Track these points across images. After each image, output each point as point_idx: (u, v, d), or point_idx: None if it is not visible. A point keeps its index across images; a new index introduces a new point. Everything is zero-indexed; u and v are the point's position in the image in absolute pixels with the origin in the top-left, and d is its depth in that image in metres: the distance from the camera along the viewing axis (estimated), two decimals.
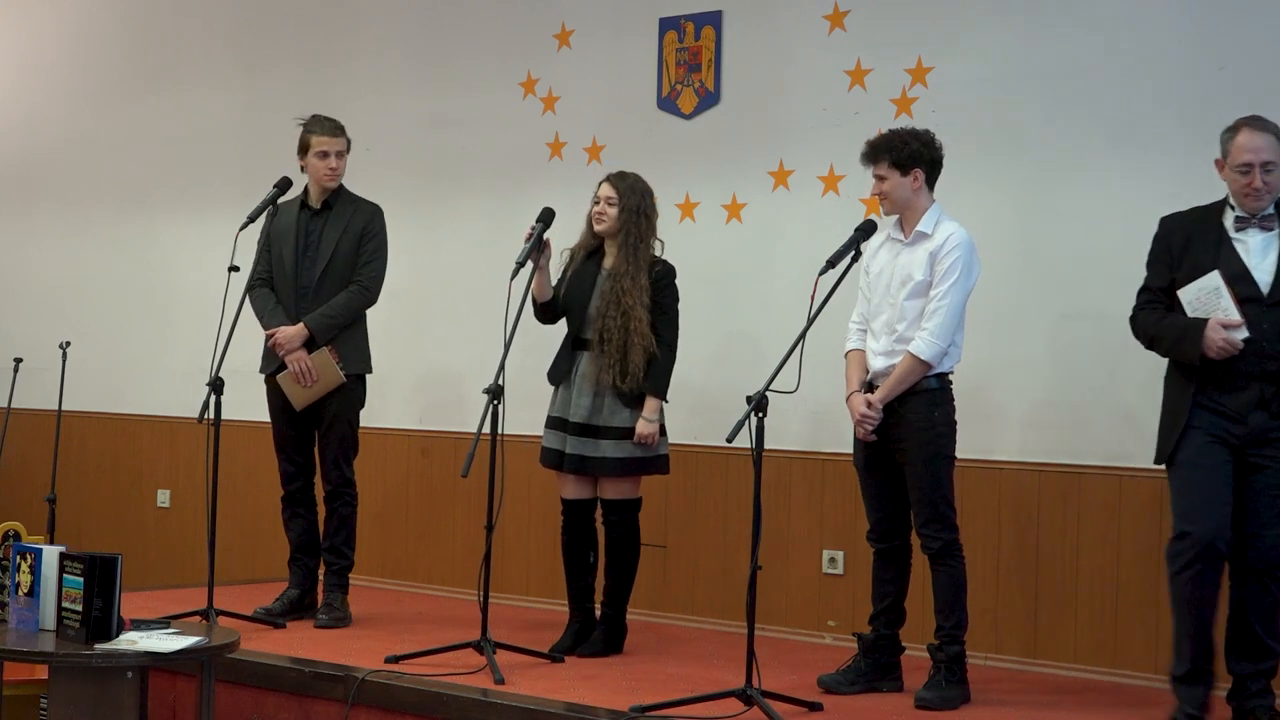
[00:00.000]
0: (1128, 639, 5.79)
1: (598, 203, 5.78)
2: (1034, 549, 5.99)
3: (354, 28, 7.96)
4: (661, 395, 5.73)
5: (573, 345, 5.83)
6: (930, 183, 5.29)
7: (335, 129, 6.27)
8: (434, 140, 7.64)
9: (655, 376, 5.70)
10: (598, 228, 5.78)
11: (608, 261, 5.79)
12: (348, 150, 6.32)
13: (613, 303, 5.67)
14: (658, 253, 5.82)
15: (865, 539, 5.47)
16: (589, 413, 5.72)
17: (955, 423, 5.29)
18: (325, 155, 6.23)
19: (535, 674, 5.40)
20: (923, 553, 5.28)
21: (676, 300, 5.81)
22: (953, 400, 5.29)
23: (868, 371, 5.32)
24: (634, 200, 5.74)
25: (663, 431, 5.80)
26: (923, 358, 5.16)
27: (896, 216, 5.33)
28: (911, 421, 5.19)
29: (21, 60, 9.39)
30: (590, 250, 5.86)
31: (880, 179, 5.27)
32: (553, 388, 5.88)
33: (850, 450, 5.53)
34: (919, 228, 5.25)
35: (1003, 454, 6.02)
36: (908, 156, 5.22)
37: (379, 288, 6.31)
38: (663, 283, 5.75)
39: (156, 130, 8.67)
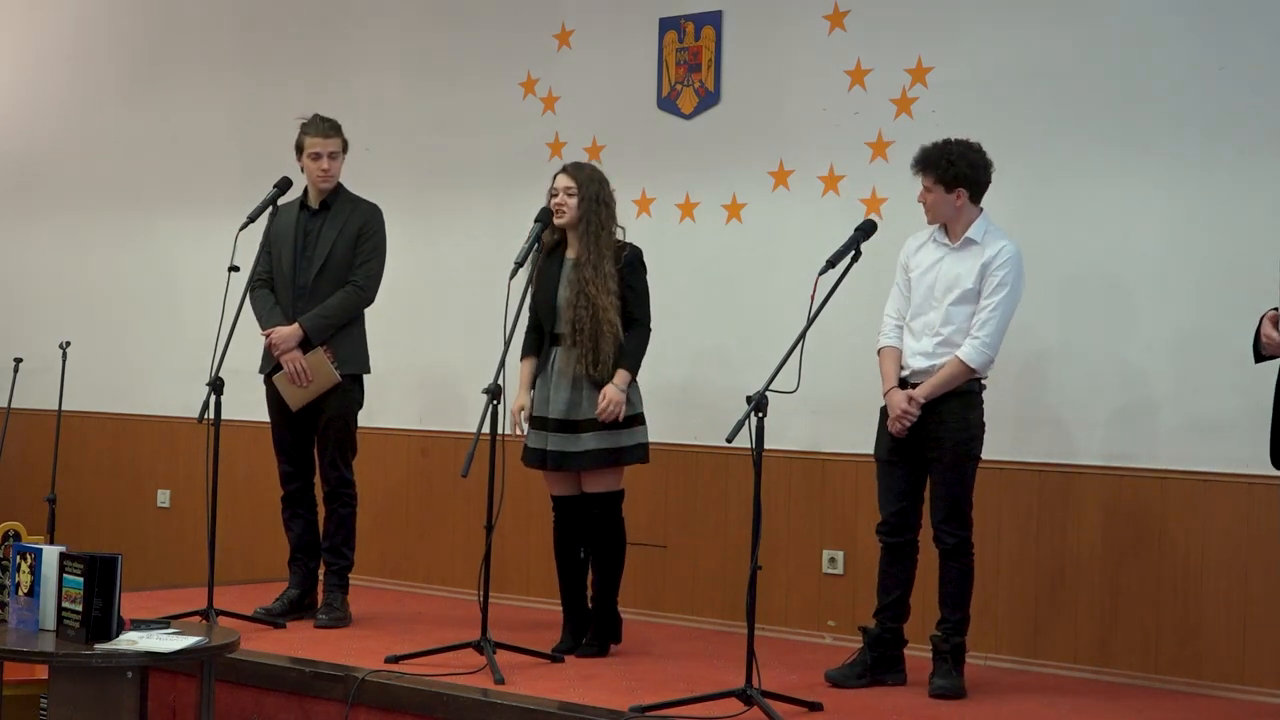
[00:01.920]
0: (1127, 639, 5.79)
1: (556, 194, 5.76)
2: (1034, 549, 5.99)
3: (354, 28, 7.96)
4: (632, 369, 5.70)
5: (549, 342, 5.82)
6: (975, 199, 5.37)
7: (328, 130, 6.25)
8: (434, 140, 7.64)
9: (629, 352, 5.69)
10: (559, 220, 5.75)
11: (570, 252, 5.78)
12: (343, 151, 6.30)
13: (580, 293, 5.66)
14: (620, 238, 5.81)
15: (875, 531, 5.48)
16: (567, 407, 5.71)
17: (984, 425, 5.37)
18: (318, 157, 6.22)
19: (535, 674, 5.40)
20: (935, 546, 5.34)
21: (646, 279, 5.80)
22: (983, 404, 5.37)
23: (902, 368, 5.39)
24: (593, 189, 5.73)
25: (641, 421, 5.78)
26: (972, 365, 5.27)
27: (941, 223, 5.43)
28: (949, 422, 5.28)
29: (22, 60, 9.39)
30: (551, 246, 5.85)
31: (926, 190, 5.36)
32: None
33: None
34: (968, 235, 5.34)
35: (1003, 454, 6.01)
36: (953, 177, 5.31)
37: (375, 288, 6.30)
38: (631, 265, 5.75)
39: (157, 130, 8.67)
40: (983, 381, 5.37)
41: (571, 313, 5.67)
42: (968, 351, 5.25)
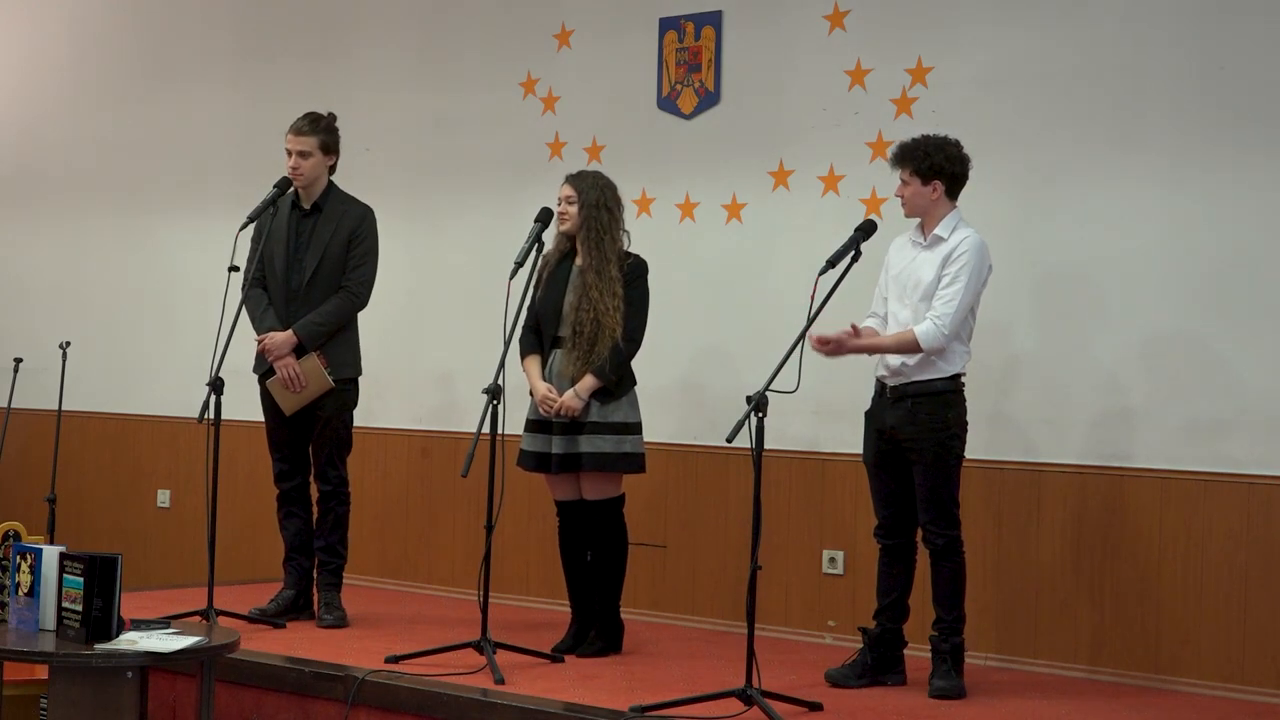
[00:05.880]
0: (1126, 638, 5.79)
1: (560, 203, 5.80)
2: (1034, 548, 5.99)
3: (354, 28, 7.96)
4: (603, 378, 5.65)
5: (550, 345, 5.82)
6: (951, 193, 5.38)
7: (300, 126, 6.16)
8: (434, 140, 7.64)
9: (606, 361, 5.65)
10: (561, 228, 5.80)
11: (578, 260, 5.80)
12: (321, 151, 6.15)
13: (584, 297, 5.68)
14: (627, 246, 5.81)
15: (872, 535, 5.51)
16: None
17: (967, 424, 5.37)
18: (289, 154, 6.18)
19: (535, 674, 5.40)
20: (925, 547, 5.36)
21: (646, 294, 5.79)
22: (964, 402, 5.37)
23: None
24: (593, 195, 5.75)
25: (639, 430, 5.78)
26: (922, 342, 5.24)
27: (919, 219, 5.43)
28: (924, 422, 5.28)
29: (22, 60, 9.39)
30: (564, 254, 5.86)
31: (904, 183, 5.39)
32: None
33: (857, 450, 5.56)
34: (936, 231, 5.36)
35: (1003, 454, 6.01)
36: (929, 168, 5.33)
37: (368, 292, 6.27)
38: (632, 276, 5.75)
39: (156, 130, 8.67)
40: (961, 379, 5.36)
41: (574, 316, 5.69)
42: (923, 328, 5.22)
